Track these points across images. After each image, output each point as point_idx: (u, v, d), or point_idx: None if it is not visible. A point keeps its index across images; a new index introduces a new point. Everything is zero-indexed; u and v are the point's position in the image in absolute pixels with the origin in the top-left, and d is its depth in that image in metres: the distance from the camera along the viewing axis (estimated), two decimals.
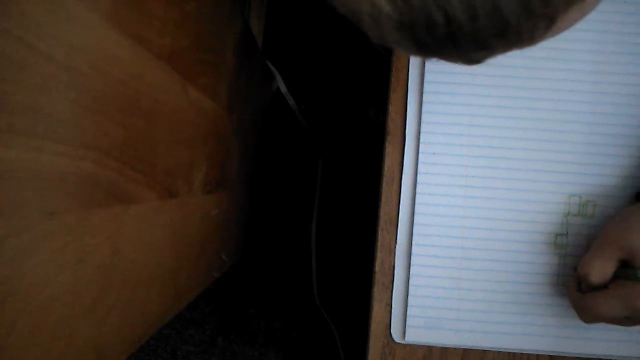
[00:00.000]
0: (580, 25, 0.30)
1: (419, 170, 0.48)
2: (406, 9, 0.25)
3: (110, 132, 0.35)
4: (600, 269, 0.41)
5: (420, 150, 0.48)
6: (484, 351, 0.47)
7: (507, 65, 0.48)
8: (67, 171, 0.31)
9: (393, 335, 0.48)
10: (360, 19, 0.27)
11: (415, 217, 0.48)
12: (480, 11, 0.24)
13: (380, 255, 0.49)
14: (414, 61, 0.49)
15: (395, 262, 0.48)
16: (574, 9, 0.27)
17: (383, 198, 0.49)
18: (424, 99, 0.48)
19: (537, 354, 0.47)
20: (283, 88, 0.92)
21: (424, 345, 0.48)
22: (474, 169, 0.48)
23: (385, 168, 0.49)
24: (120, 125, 0.37)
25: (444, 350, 0.48)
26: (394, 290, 0.48)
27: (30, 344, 0.30)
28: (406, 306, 0.48)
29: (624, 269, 0.41)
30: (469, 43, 0.27)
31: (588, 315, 0.42)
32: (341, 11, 0.27)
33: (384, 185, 0.49)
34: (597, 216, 0.47)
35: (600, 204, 0.47)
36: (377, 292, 0.48)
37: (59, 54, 0.28)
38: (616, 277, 0.41)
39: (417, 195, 0.48)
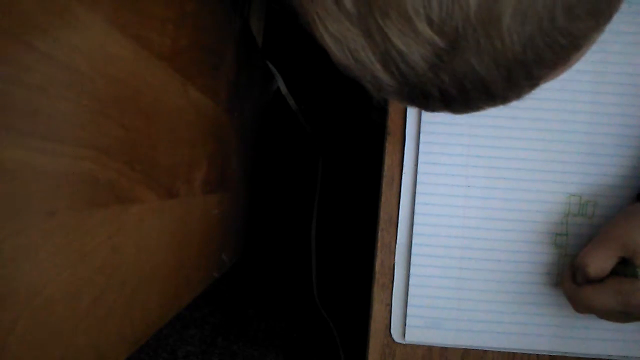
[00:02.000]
0: None
1: (419, 170, 0.48)
2: (404, 82, 0.28)
3: (110, 132, 0.35)
4: (600, 263, 0.41)
5: (420, 150, 0.48)
6: (484, 351, 0.47)
7: None
8: (67, 171, 0.31)
9: (393, 335, 0.48)
10: (363, 84, 0.29)
11: (415, 217, 0.48)
12: (469, 87, 0.27)
13: (380, 255, 0.49)
14: None
15: (395, 262, 0.48)
16: (557, 72, 0.30)
17: (383, 198, 0.49)
18: None
19: (537, 354, 0.47)
20: (283, 88, 0.92)
21: (424, 345, 0.48)
22: (473, 169, 0.48)
23: (385, 168, 0.49)
24: (120, 125, 0.37)
25: (444, 350, 0.48)
26: (394, 290, 0.48)
27: (30, 344, 0.30)
28: (406, 306, 0.48)
29: (623, 266, 0.41)
30: (460, 107, 0.30)
31: (581, 307, 0.42)
32: (344, 74, 0.29)
33: (384, 185, 0.49)
34: (597, 216, 0.47)
35: (600, 204, 0.47)
36: (377, 292, 0.48)
37: (59, 54, 0.28)
38: (614, 272, 0.41)
39: (417, 195, 0.48)
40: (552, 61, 0.28)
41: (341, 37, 0.27)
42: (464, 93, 0.28)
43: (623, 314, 0.40)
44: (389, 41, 0.26)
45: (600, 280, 0.41)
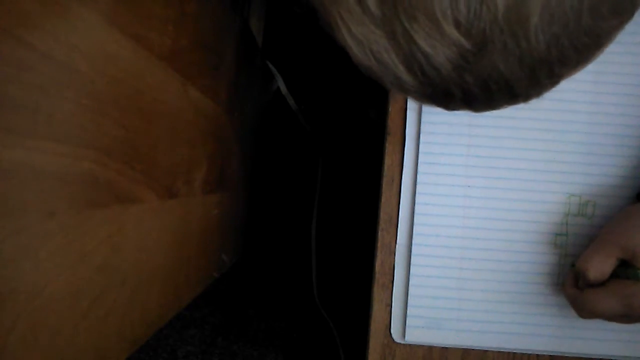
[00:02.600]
0: None
1: (419, 170, 0.48)
2: (427, 82, 0.28)
3: (110, 132, 0.35)
4: (599, 267, 0.41)
5: (420, 150, 0.48)
6: (484, 351, 0.47)
7: None
8: (67, 171, 0.31)
9: (393, 335, 0.48)
10: (384, 84, 0.30)
11: (415, 217, 0.48)
12: (493, 87, 0.28)
13: (380, 255, 0.49)
14: None
15: (395, 262, 0.48)
16: (577, 70, 0.30)
17: (383, 198, 0.49)
18: None
19: (537, 354, 0.47)
20: (283, 88, 0.92)
21: (424, 345, 0.48)
22: (473, 169, 0.48)
23: (385, 168, 0.49)
24: (120, 125, 0.37)
25: (444, 350, 0.48)
26: (394, 290, 0.48)
27: (30, 344, 0.30)
28: (406, 306, 0.48)
29: (623, 268, 0.41)
30: (482, 106, 0.30)
31: (584, 311, 0.42)
32: (365, 74, 0.30)
33: (384, 185, 0.49)
34: (597, 216, 0.47)
35: (600, 204, 0.47)
36: (377, 292, 0.48)
37: (59, 54, 0.28)
38: (614, 275, 0.41)
39: (417, 195, 0.48)
40: (575, 60, 0.28)
41: (364, 39, 0.27)
42: (488, 93, 0.28)
43: (626, 317, 0.40)
44: (414, 43, 0.26)
45: (602, 283, 0.41)
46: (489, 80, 0.27)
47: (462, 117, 0.48)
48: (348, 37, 0.28)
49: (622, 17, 0.27)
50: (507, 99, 0.29)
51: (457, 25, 0.25)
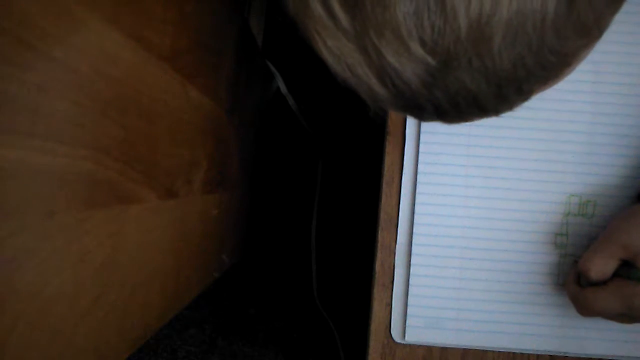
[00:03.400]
0: None
1: (419, 170, 0.48)
2: (399, 95, 0.29)
3: (110, 132, 0.35)
4: (601, 267, 0.41)
5: (420, 150, 0.48)
6: (484, 351, 0.47)
7: None
8: (67, 171, 0.31)
9: (393, 335, 0.48)
10: (360, 95, 0.31)
11: (415, 217, 0.48)
12: (461, 102, 0.28)
13: (380, 255, 0.49)
14: None
15: (395, 262, 0.48)
16: (548, 86, 0.31)
17: (383, 198, 0.49)
18: None
19: (537, 354, 0.47)
20: (283, 88, 0.92)
21: (424, 345, 0.48)
22: (473, 169, 0.48)
23: (385, 168, 0.49)
24: (120, 125, 0.37)
25: (444, 350, 0.48)
26: (394, 290, 0.48)
27: (30, 344, 0.30)
28: (406, 306, 0.48)
29: (625, 268, 0.41)
30: (453, 119, 0.31)
31: (585, 309, 0.42)
32: (342, 85, 0.31)
33: (384, 185, 0.49)
34: (597, 216, 0.47)
35: (600, 204, 0.47)
36: (377, 292, 0.48)
37: (59, 54, 0.28)
38: (616, 275, 0.41)
39: (417, 195, 0.48)
40: (543, 77, 0.29)
41: (339, 52, 0.28)
42: (457, 107, 0.29)
43: (626, 316, 0.40)
44: (384, 59, 0.27)
45: (604, 282, 0.41)
46: (457, 95, 0.28)
47: None
48: (324, 50, 0.29)
49: (588, 39, 0.28)
50: (476, 113, 0.30)
51: (423, 43, 0.26)
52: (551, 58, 0.27)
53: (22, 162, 0.27)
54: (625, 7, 0.48)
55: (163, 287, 0.50)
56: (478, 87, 0.27)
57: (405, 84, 0.28)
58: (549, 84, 0.30)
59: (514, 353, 0.47)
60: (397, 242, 0.48)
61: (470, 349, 0.47)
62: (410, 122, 0.49)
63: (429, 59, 0.26)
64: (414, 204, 0.48)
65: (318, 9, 0.27)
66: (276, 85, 0.93)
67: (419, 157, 0.48)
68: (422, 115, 0.31)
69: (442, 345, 0.48)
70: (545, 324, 0.47)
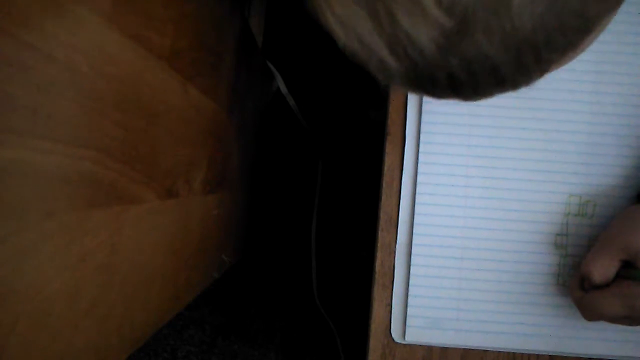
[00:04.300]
0: None
1: (419, 170, 0.48)
2: (411, 66, 0.27)
3: (110, 132, 0.35)
4: (602, 269, 0.41)
5: (420, 150, 0.48)
6: (484, 351, 0.47)
7: None
8: (67, 171, 0.31)
9: (393, 335, 0.48)
10: (370, 69, 0.29)
11: (415, 217, 0.48)
12: (478, 70, 0.27)
13: (380, 255, 0.49)
14: None
15: (395, 262, 0.48)
16: (566, 58, 0.29)
17: (383, 198, 0.49)
18: (424, 99, 0.48)
19: (537, 354, 0.47)
20: (283, 88, 0.92)
21: (424, 345, 0.48)
22: (474, 169, 0.48)
23: (385, 168, 0.49)
24: (120, 125, 0.37)
25: (444, 350, 0.48)
26: (394, 290, 0.48)
27: (30, 344, 0.30)
28: (406, 306, 0.48)
29: (627, 269, 0.41)
30: (469, 93, 0.29)
31: (589, 313, 0.42)
32: (350, 59, 0.29)
33: (384, 185, 0.49)
34: (597, 216, 0.47)
35: (600, 204, 0.47)
36: (377, 292, 0.48)
37: (59, 54, 0.28)
38: (619, 276, 0.41)
39: (417, 195, 0.48)
40: (562, 45, 0.27)
41: (348, 20, 0.27)
42: (473, 77, 0.27)
43: (630, 319, 0.40)
44: (396, 23, 0.25)
45: (607, 285, 0.41)
46: (474, 63, 0.26)
47: (462, 118, 0.48)
48: (332, 20, 0.27)
49: (608, 3, 0.27)
50: (493, 85, 0.29)
51: (439, 3, 0.24)
52: (572, 21, 0.26)
53: (22, 162, 0.27)
54: (625, 7, 0.48)
55: (163, 287, 0.50)
56: (496, 52, 0.26)
57: (418, 51, 0.26)
58: (569, 54, 0.29)
59: (514, 353, 0.47)
60: (397, 242, 0.48)
61: (470, 349, 0.47)
62: (410, 122, 0.49)
63: (445, 20, 0.25)
64: (414, 204, 0.48)
65: None
66: (276, 85, 0.93)
67: (419, 157, 0.48)
68: (435, 89, 0.29)
69: (442, 345, 0.48)
70: (545, 324, 0.47)
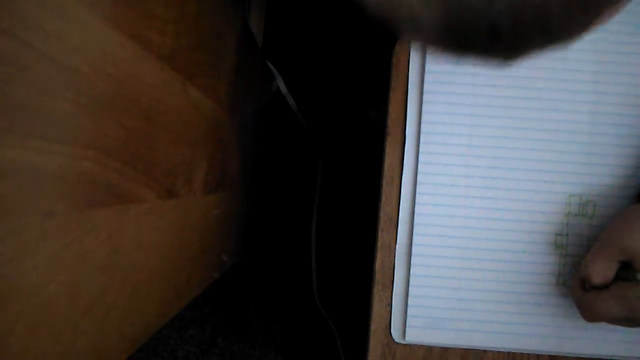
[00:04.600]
0: None
1: (419, 170, 0.48)
2: (447, 15, 0.25)
3: (110, 132, 0.35)
4: (601, 270, 0.41)
5: (420, 150, 0.48)
6: (484, 351, 0.47)
7: None
8: (67, 171, 0.31)
9: (393, 335, 0.48)
10: (394, 23, 0.26)
11: (415, 217, 0.48)
12: (526, 18, 0.24)
13: (380, 255, 0.49)
14: (415, 61, 0.49)
15: (395, 262, 0.48)
16: (616, 9, 0.27)
17: (383, 198, 0.49)
18: (424, 99, 0.48)
19: (537, 354, 0.47)
20: (283, 88, 0.92)
21: (424, 345, 0.48)
22: (474, 169, 0.48)
23: (385, 168, 0.49)
24: (120, 125, 0.37)
25: (444, 350, 0.48)
26: (394, 290, 0.48)
27: (30, 344, 0.30)
28: (406, 306, 0.48)
29: (625, 270, 0.41)
30: (506, 47, 0.26)
31: (589, 314, 0.42)
32: (372, 16, 0.26)
33: (384, 185, 0.49)
34: (597, 216, 0.47)
35: (600, 204, 0.47)
36: (377, 292, 0.48)
37: (59, 54, 0.28)
38: (618, 277, 0.41)
39: (417, 195, 0.48)
40: None
41: None
42: (519, 26, 0.24)
43: (629, 320, 0.40)
44: None
45: (607, 286, 0.41)
46: (524, 7, 0.24)
47: (462, 117, 0.48)
48: None
49: None
50: (537, 37, 0.26)
51: None
52: None
53: (21, 161, 0.27)
54: (625, 7, 0.48)
55: (163, 287, 0.50)
56: None
57: None
58: (618, 6, 0.26)
59: (514, 353, 0.47)
60: (397, 242, 0.48)
61: (470, 349, 0.47)
62: (411, 122, 0.49)
63: None
64: (414, 204, 0.48)
65: None
66: (276, 85, 0.93)
67: (419, 157, 0.48)
68: (468, 44, 0.26)
69: (442, 345, 0.48)
70: (545, 324, 0.47)
